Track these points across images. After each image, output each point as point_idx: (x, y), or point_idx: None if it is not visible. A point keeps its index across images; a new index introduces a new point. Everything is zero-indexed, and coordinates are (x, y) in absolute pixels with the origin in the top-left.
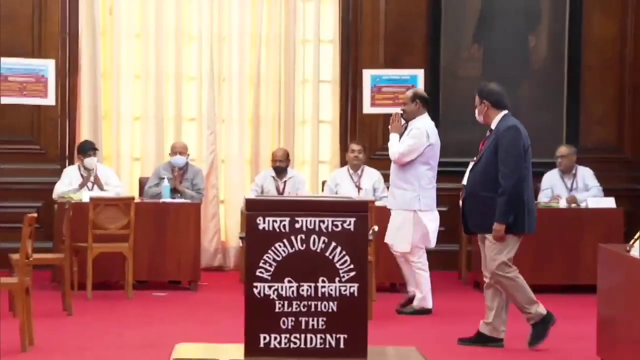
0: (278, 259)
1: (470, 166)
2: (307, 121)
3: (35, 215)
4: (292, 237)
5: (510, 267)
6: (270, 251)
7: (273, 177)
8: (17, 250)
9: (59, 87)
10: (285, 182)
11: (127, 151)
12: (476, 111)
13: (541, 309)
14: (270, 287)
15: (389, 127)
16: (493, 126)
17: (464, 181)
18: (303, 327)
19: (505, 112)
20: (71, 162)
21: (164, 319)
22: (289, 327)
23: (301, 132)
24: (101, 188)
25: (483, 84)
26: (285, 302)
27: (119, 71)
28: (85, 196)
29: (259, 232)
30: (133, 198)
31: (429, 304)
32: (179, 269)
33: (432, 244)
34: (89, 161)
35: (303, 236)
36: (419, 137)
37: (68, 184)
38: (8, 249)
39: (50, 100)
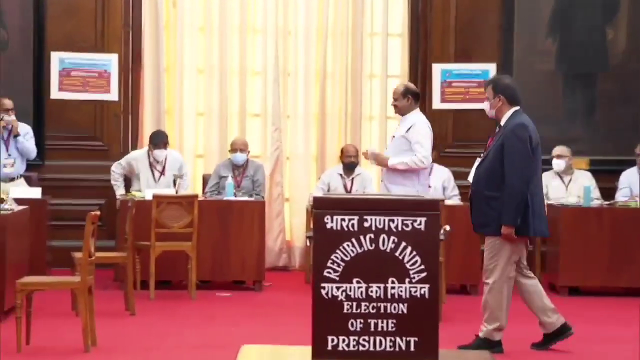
0: (346, 259)
1: (476, 163)
2: (374, 117)
3: (98, 213)
4: (361, 237)
5: (504, 272)
6: (338, 251)
7: (340, 174)
8: (80, 249)
9: (122, 82)
10: (352, 179)
11: (190, 148)
12: (486, 104)
13: (498, 334)
14: (338, 288)
15: (375, 162)
16: (502, 122)
17: (470, 177)
18: (372, 329)
19: (517, 108)
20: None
21: (227, 320)
22: (358, 329)
23: (368, 128)
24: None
25: (497, 77)
26: (354, 304)
27: (182, 66)
28: (148, 194)
29: (326, 231)
30: (196, 196)
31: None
32: (243, 269)
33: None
34: (159, 153)
35: (372, 236)
36: (427, 131)
37: (125, 166)
38: (70, 248)
39: (112, 95)
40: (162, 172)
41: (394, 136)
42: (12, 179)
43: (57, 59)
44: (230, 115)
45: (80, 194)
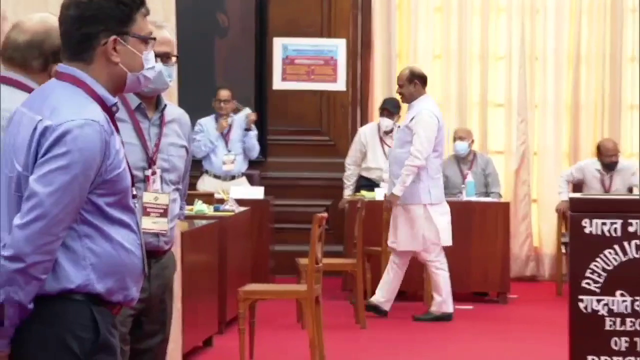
0: (608, 268)
1: None
2: (635, 106)
3: (325, 215)
4: (625, 243)
5: None
6: (598, 259)
7: (598, 169)
8: (305, 255)
9: (350, 70)
10: (611, 176)
11: None
12: None
13: None
14: (599, 302)
15: (392, 203)
16: None
17: None
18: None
19: None
20: None
21: (467, 336)
22: (622, 348)
23: (628, 118)
24: None
25: None
26: (618, 320)
27: (416, 51)
28: (379, 194)
29: (585, 237)
30: None
31: (450, 308)
32: (486, 279)
33: (449, 240)
34: (383, 122)
35: (638, 242)
36: (429, 122)
37: (359, 151)
38: (295, 253)
39: (340, 85)
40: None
41: (399, 126)
42: (233, 177)
43: (280, 46)
44: (470, 105)
45: (305, 193)
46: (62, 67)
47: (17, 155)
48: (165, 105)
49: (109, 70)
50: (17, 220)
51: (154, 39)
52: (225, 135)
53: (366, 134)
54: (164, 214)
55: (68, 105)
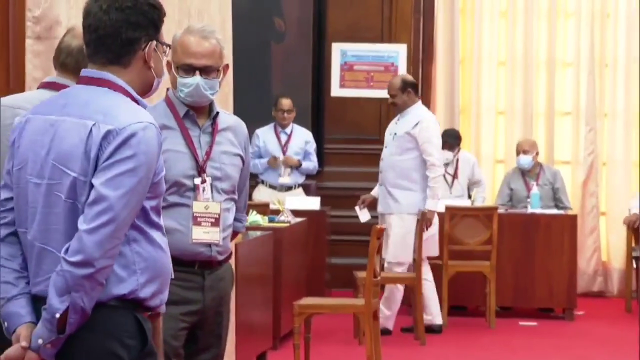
0: None
1: None
2: None
3: (384, 227)
4: None
5: None
6: None
7: None
8: (363, 267)
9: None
10: None
11: (489, 151)
12: None
13: None
14: None
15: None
16: None
17: None
18: None
19: None
20: None
21: (531, 353)
22: None
23: None
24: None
25: None
26: None
27: (480, 57)
28: (440, 205)
29: None
30: (496, 208)
31: (440, 320)
32: (551, 294)
33: (437, 251)
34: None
35: None
36: (436, 130)
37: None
38: (352, 266)
39: None
40: (455, 175)
41: (395, 133)
42: (289, 188)
43: (339, 51)
44: (535, 113)
45: None
46: (91, 72)
47: (68, 161)
48: (218, 112)
49: (143, 75)
50: (83, 225)
51: (169, 46)
52: (283, 147)
53: None
54: (216, 223)
55: (122, 109)
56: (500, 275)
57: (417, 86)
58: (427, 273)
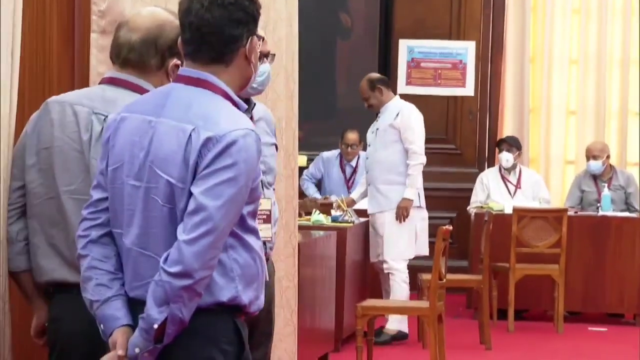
0: None
1: None
2: None
3: (450, 228)
4: None
5: None
6: None
7: None
8: (428, 270)
9: (479, 74)
10: None
11: (559, 152)
12: None
13: None
14: None
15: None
16: None
17: None
18: None
19: None
20: (490, 165)
21: (601, 359)
22: None
23: None
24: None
25: None
26: None
27: (551, 55)
28: (507, 206)
29: None
30: (566, 210)
31: (406, 327)
32: (622, 299)
33: (426, 249)
34: (503, 156)
35: None
36: (418, 117)
37: (481, 190)
38: (417, 268)
39: (468, 90)
40: (518, 185)
41: (377, 128)
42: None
43: (406, 48)
44: (608, 114)
45: (429, 204)
46: (191, 71)
47: (166, 166)
48: (255, 104)
49: (243, 71)
50: (183, 236)
51: (264, 38)
52: (347, 180)
53: (488, 176)
54: (267, 219)
55: (223, 115)
56: (569, 279)
57: (387, 80)
58: (407, 275)
